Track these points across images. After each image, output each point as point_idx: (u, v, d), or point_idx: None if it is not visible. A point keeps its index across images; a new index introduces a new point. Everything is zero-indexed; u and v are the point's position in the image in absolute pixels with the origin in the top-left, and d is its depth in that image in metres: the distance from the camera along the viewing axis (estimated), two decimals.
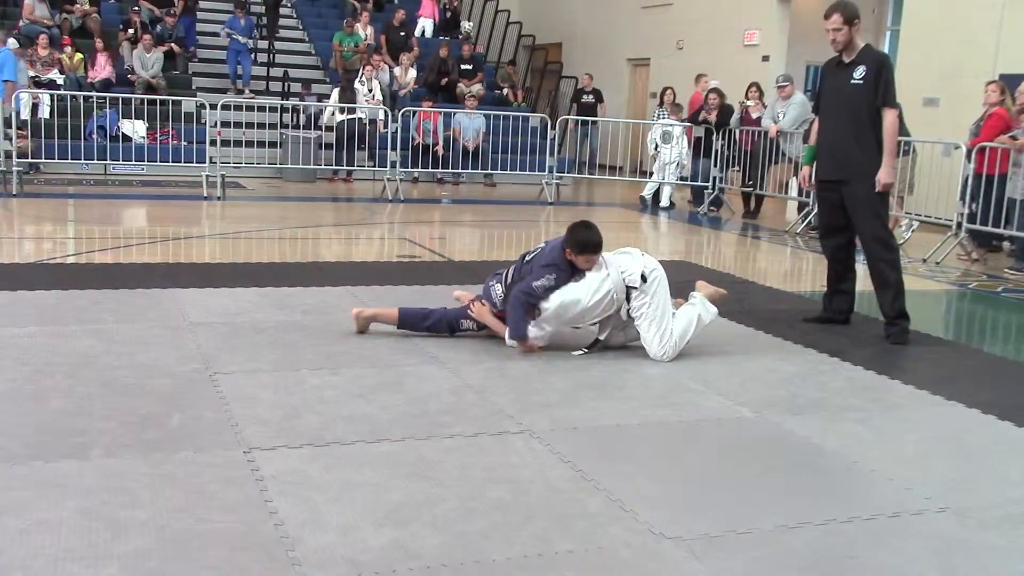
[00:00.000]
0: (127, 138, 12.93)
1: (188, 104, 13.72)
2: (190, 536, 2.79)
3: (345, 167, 13.40)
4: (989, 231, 9.58)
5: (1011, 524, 3.22)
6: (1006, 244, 10.10)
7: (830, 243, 6.11)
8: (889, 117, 5.70)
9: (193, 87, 15.45)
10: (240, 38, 15.50)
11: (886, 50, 15.68)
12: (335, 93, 14.19)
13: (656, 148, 13.28)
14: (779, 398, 4.49)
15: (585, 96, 16.32)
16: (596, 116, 15.91)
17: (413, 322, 5.23)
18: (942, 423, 4.28)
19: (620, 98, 18.85)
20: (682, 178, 13.42)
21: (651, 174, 13.60)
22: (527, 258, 5.12)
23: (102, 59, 14.51)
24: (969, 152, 9.49)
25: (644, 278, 4.94)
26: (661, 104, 14.02)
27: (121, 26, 15.58)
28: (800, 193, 11.60)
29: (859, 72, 5.73)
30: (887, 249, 5.83)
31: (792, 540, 3.00)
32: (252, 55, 15.98)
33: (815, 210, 11.02)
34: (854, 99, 5.75)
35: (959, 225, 9.56)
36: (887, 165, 5.69)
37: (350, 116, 13.49)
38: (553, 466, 3.48)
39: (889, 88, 5.73)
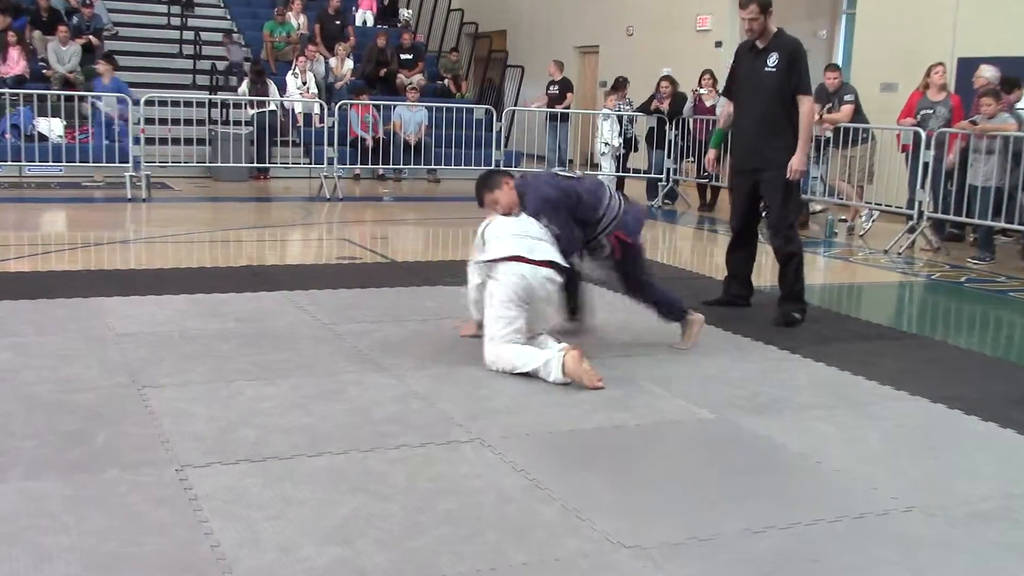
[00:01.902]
0: (43, 137, 12.70)
1: (109, 100, 13.52)
2: (119, 560, 2.75)
3: (267, 164, 13.29)
4: (951, 219, 9.76)
5: (980, 521, 3.28)
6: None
7: (737, 224, 6.40)
8: (805, 104, 5.92)
9: None
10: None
11: (842, 35, 15.92)
12: (244, 85, 14.06)
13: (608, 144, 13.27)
14: (739, 397, 4.54)
15: (552, 87, 15.19)
16: (563, 108, 14.85)
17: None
18: (907, 419, 4.35)
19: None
20: (629, 169, 13.49)
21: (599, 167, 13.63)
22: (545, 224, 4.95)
23: (14, 53, 14.23)
24: (929, 139, 9.65)
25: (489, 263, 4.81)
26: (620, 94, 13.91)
27: (28, 17, 15.25)
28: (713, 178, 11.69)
29: (772, 60, 5.93)
30: (788, 242, 6.07)
31: (756, 545, 3.03)
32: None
33: None
34: (768, 87, 5.94)
35: (920, 214, 9.73)
36: (801, 152, 5.92)
37: (261, 109, 13.38)
38: (505, 475, 3.48)
39: (803, 76, 5.92)
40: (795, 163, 5.93)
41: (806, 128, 5.94)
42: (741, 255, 6.43)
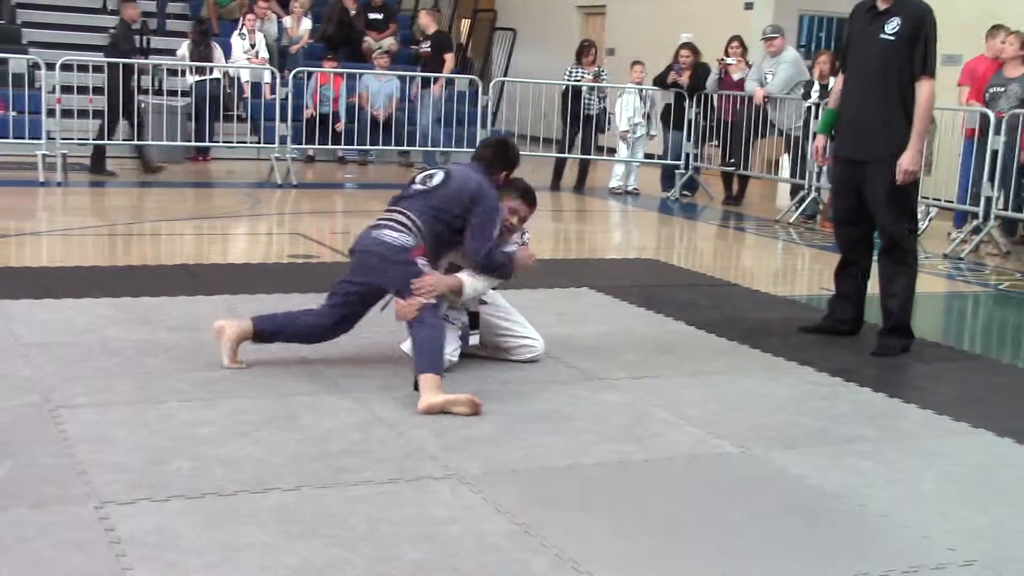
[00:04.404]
0: None
1: (17, 63, 13.48)
2: None
3: (208, 142, 13.29)
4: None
5: None
6: None
7: (845, 233, 6.19)
8: (925, 88, 5.70)
9: (24, 41, 15.19)
10: None
11: None
12: (184, 47, 14.04)
13: (631, 123, 13.27)
14: (768, 428, 4.56)
15: (424, 44, 14.70)
16: (433, 72, 14.14)
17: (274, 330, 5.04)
18: (967, 456, 4.38)
19: (568, 53, 18.94)
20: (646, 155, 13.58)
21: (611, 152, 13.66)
22: (429, 186, 5.04)
23: None
24: (999, 122, 9.69)
25: None
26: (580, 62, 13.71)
27: None
28: (795, 174, 11.78)
29: (892, 25, 5.72)
30: (902, 253, 5.91)
31: None
32: None
33: (812, 195, 11.24)
34: (884, 58, 5.76)
35: (987, 213, 9.77)
36: (913, 148, 5.70)
37: (203, 77, 13.37)
38: (487, 518, 3.50)
39: (928, 51, 5.71)
40: (904, 162, 5.68)
41: (922, 118, 5.72)
42: (852, 271, 6.16)
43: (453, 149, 13.90)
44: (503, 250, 5.06)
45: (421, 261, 4.87)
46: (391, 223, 4.93)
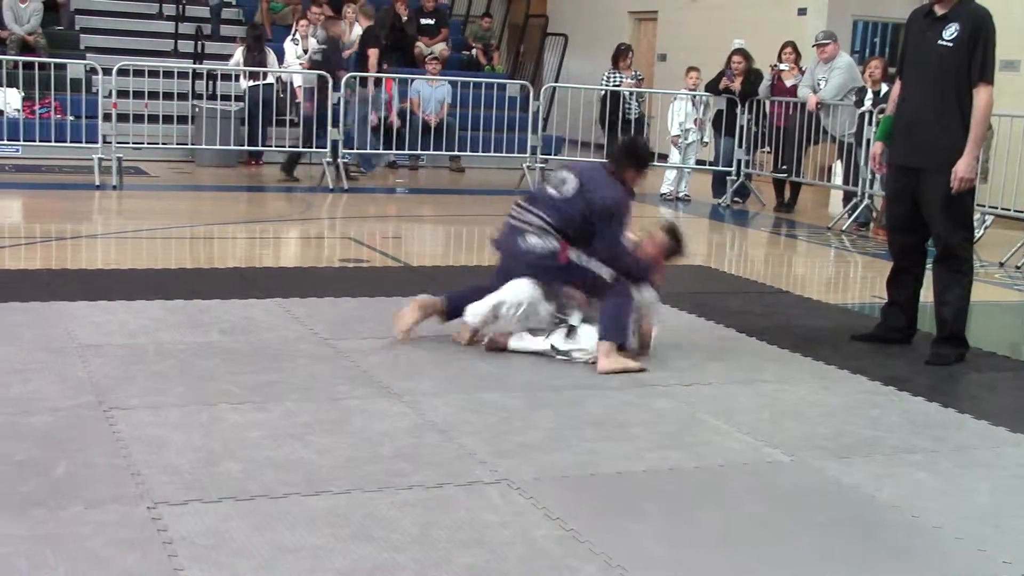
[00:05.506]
0: None
1: (75, 68, 13.66)
2: None
3: (260, 147, 13.38)
4: None
5: None
6: None
7: (899, 241, 6.14)
8: (982, 95, 5.66)
9: (82, 46, 15.39)
10: None
11: None
12: (238, 53, 14.15)
13: (683, 129, 13.24)
14: (820, 437, 4.53)
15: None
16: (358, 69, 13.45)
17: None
18: None
19: None
20: (698, 161, 13.53)
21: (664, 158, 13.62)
22: (563, 194, 5.44)
23: None
24: None
25: None
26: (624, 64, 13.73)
27: None
28: (848, 180, 11.69)
29: (951, 31, 5.69)
30: (957, 261, 5.86)
31: None
32: None
33: (865, 202, 11.15)
34: (942, 65, 5.72)
35: None
36: (969, 155, 5.65)
37: (256, 82, 13.44)
38: (538, 524, 3.49)
39: (987, 57, 5.67)
40: (960, 169, 5.63)
41: (979, 125, 5.67)
42: (905, 279, 6.13)
43: (504, 154, 13.87)
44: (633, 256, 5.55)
45: (573, 255, 5.34)
46: (532, 228, 5.38)
